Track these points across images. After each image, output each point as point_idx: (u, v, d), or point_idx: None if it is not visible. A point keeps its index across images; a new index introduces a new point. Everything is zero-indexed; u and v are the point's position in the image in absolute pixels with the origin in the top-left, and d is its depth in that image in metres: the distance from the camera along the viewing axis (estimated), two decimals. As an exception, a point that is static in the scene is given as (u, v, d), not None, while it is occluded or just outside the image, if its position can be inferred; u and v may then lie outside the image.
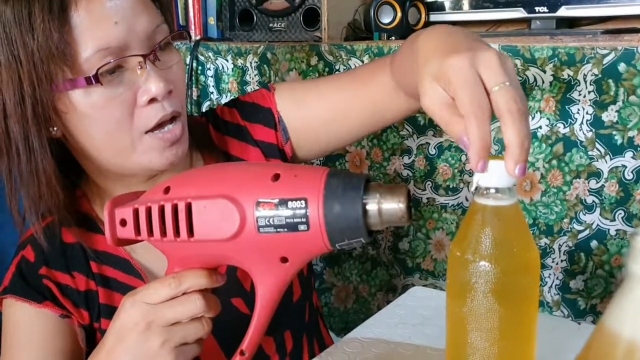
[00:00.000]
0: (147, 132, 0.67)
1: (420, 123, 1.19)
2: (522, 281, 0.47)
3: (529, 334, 0.49)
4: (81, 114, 0.65)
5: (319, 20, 1.34)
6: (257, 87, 1.39)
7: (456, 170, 1.17)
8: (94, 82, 0.63)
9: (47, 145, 0.67)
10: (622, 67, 0.98)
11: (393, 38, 1.29)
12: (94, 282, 0.73)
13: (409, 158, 1.21)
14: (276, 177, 0.48)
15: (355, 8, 1.39)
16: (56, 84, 0.64)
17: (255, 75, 1.38)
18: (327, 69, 1.27)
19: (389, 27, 1.30)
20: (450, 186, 1.19)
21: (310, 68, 1.29)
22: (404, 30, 1.30)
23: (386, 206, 0.47)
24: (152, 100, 0.66)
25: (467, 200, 1.18)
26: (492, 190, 0.47)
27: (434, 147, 1.18)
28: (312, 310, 0.86)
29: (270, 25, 1.41)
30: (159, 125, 0.67)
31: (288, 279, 0.51)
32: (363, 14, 1.38)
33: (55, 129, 0.67)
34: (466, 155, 1.15)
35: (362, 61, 1.23)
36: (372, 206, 0.47)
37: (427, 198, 1.22)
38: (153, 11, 0.68)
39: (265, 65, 1.36)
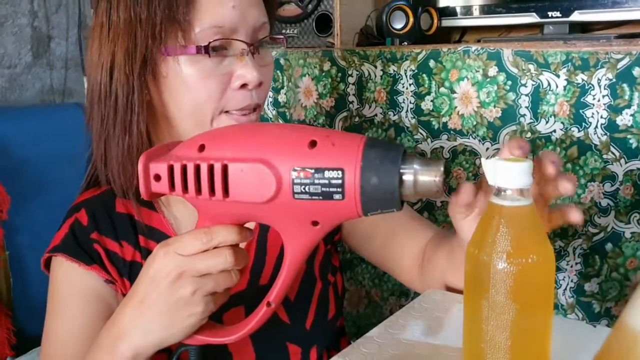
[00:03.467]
0: (226, 112, 0.71)
1: (434, 127, 1.19)
2: (538, 280, 0.48)
3: (545, 332, 0.49)
4: (180, 81, 0.69)
5: (332, 26, 1.34)
6: (270, 93, 1.40)
7: (470, 174, 1.18)
8: (203, 52, 0.67)
9: (143, 104, 0.70)
10: (636, 71, 0.98)
11: (405, 43, 1.30)
12: (140, 254, 0.75)
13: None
14: (313, 143, 0.49)
15: (368, 14, 1.40)
16: (166, 47, 0.68)
17: (268, 81, 1.39)
18: (340, 74, 1.28)
19: (401, 32, 1.30)
20: (464, 190, 1.19)
21: (323, 74, 1.30)
22: (416, 36, 1.30)
23: (422, 179, 0.48)
24: (244, 86, 0.70)
25: (480, 204, 1.18)
26: (509, 191, 0.48)
27: (448, 151, 1.19)
28: (338, 329, 0.87)
29: (283, 31, 1.42)
30: (240, 110, 0.71)
31: (317, 240, 0.53)
32: (375, 19, 1.39)
33: (146, 92, 0.71)
34: (480, 158, 1.15)
35: (375, 66, 1.24)
36: (408, 177, 0.48)
37: (442, 202, 1.22)
38: (263, 9, 0.73)
39: (278, 71, 1.37)
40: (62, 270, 0.74)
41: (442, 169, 0.48)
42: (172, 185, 0.53)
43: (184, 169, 0.52)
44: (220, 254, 0.54)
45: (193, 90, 0.69)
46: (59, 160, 1.25)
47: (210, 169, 0.51)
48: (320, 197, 0.48)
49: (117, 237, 0.75)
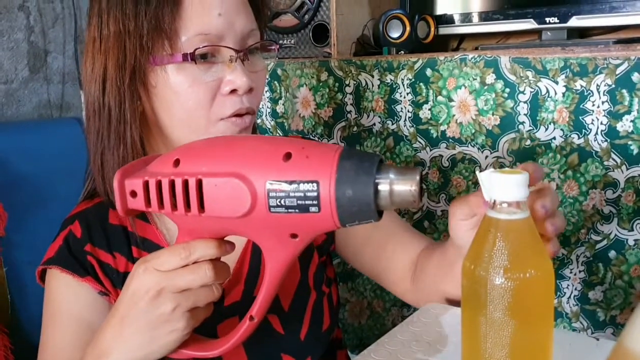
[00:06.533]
0: (221, 119, 0.71)
1: (432, 135, 1.18)
2: (537, 295, 0.47)
3: (546, 348, 0.48)
4: (169, 89, 0.70)
5: (328, 36, 1.34)
6: (268, 104, 1.39)
7: (470, 183, 1.17)
8: (189, 59, 0.68)
9: (135, 114, 0.72)
10: (635, 76, 0.97)
11: (402, 52, 1.29)
12: (133, 265, 0.75)
13: (423, 170, 1.21)
14: (288, 156, 0.49)
15: (364, 23, 1.40)
16: (154, 57, 0.69)
17: (266, 92, 1.39)
18: (337, 84, 1.28)
19: (398, 41, 1.30)
20: (464, 199, 1.18)
21: (321, 83, 1.29)
22: (413, 45, 1.30)
23: (398, 188, 0.47)
24: (234, 92, 0.71)
25: (481, 213, 1.16)
26: (505, 205, 0.47)
27: (447, 160, 1.18)
28: (334, 341, 0.87)
29: (280, 42, 1.42)
30: (234, 116, 0.72)
31: (297, 252, 0.52)
32: (372, 29, 1.39)
33: (139, 103, 0.72)
34: (480, 167, 1.14)
35: (372, 76, 1.23)
36: (383, 187, 0.47)
37: (442, 211, 1.21)
38: (251, 16, 0.74)
39: (275, 82, 1.37)
40: (57, 282, 0.74)
41: (417, 177, 0.47)
42: (148, 202, 0.53)
43: (159, 185, 0.52)
44: (200, 268, 0.54)
45: (182, 98, 0.70)
46: (57, 175, 1.24)
47: (185, 184, 0.51)
48: (297, 210, 0.48)
49: (110, 248, 0.75)
